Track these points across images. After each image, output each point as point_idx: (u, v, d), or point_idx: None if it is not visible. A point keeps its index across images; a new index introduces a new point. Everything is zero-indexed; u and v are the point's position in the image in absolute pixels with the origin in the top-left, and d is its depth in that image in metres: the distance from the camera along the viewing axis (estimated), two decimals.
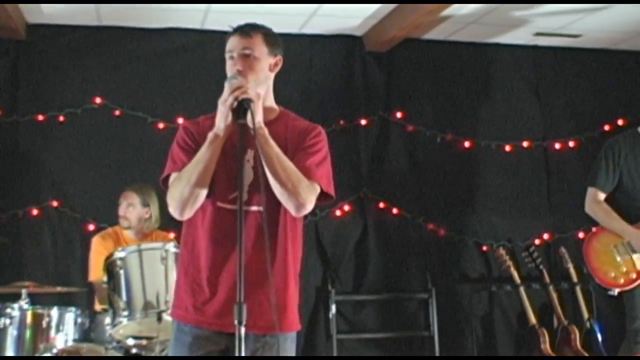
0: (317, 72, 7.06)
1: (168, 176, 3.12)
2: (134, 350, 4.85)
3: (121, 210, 5.68)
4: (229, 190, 3.02)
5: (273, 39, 3.20)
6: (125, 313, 4.48)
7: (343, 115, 6.99)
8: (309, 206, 3.03)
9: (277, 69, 3.22)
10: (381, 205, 6.99)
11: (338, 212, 6.85)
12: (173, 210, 3.05)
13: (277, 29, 3.27)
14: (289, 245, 3.12)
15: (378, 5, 6.34)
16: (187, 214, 3.05)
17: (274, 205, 3.03)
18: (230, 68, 3.12)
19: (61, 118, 6.52)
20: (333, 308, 6.71)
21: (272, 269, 3.00)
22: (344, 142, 6.88)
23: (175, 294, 3.21)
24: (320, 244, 6.87)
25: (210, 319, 3.04)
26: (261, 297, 2.98)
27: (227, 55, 3.16)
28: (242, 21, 3.22)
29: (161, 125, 6.61)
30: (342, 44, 7.11)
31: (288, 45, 3.32)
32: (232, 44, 3.14)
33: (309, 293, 6.68)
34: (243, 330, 2.62)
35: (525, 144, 7.30)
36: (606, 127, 7.31)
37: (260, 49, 3.13)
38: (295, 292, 3.17)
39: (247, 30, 3.15)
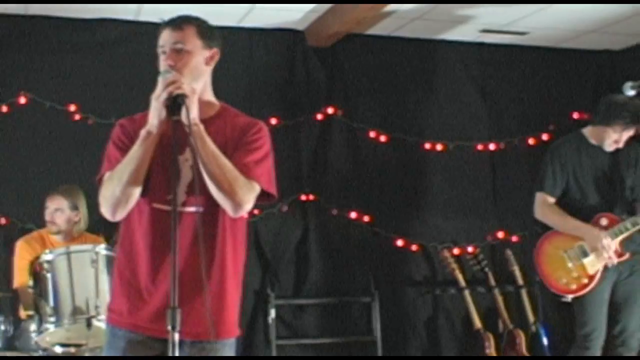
0: (257, 67, 6.87)
1: (104, 176, 3.01)
2: None
3: (48, 215, 5.43)
4: (166, 191, 2.89)
5: (207, 31, 3.07)
6: (53, 319, 4.33)
7: (283, 112, 6.81)
8: (247, 206, 2.92)
9: (214, 62, 3.09)
10: (323, 206, 6.84)
11: (277, 213, 6.68)
12: (105, 211, 2.94)
13: (214, 22, 3.14)
14: (229, 248, 3.00)
15: (313, 4, 6.27)
16: (120, 215, 2.95)
17: (212, 205, 2.92)
18: (162, 64, 2.99)
19: None
20: (272, 312, 6.58)
21: (210, 273, 2.93)
22: (284, 140, 6.68)
23: (110, 298, 3.16)
24: (259, 245, 6.70)
25: (145, 323, 2.94)
26: (198, 303, 2.88)
27: (159, 50, 3.03)
28: (177, 12, 3.09)
29: (91, 122, 6.34)
30: (283, 38, 6.94)
31: (226, 39, 3.18)
32: (164, 38, 3.03)
33: (247, 297, 6.47)
34: (177, 336, 2.56)
35: (470, 143, 7.21)
36: (551, 127, 7.25)
37: (193, 42, 3.01)
38: (235, 297, 3.07)
39: (178, 23, 3.02)
